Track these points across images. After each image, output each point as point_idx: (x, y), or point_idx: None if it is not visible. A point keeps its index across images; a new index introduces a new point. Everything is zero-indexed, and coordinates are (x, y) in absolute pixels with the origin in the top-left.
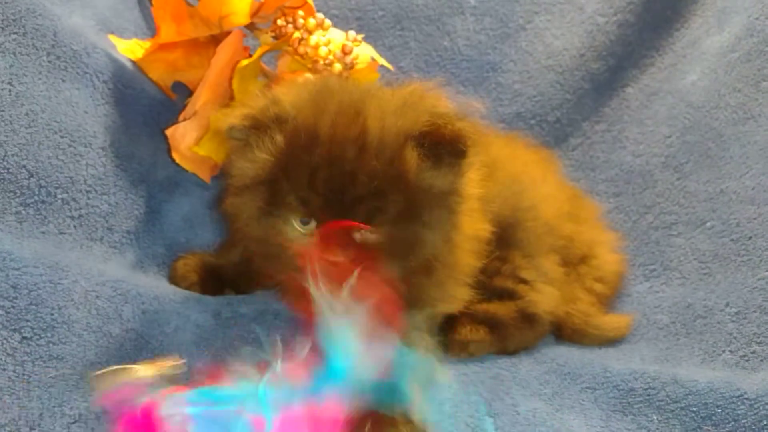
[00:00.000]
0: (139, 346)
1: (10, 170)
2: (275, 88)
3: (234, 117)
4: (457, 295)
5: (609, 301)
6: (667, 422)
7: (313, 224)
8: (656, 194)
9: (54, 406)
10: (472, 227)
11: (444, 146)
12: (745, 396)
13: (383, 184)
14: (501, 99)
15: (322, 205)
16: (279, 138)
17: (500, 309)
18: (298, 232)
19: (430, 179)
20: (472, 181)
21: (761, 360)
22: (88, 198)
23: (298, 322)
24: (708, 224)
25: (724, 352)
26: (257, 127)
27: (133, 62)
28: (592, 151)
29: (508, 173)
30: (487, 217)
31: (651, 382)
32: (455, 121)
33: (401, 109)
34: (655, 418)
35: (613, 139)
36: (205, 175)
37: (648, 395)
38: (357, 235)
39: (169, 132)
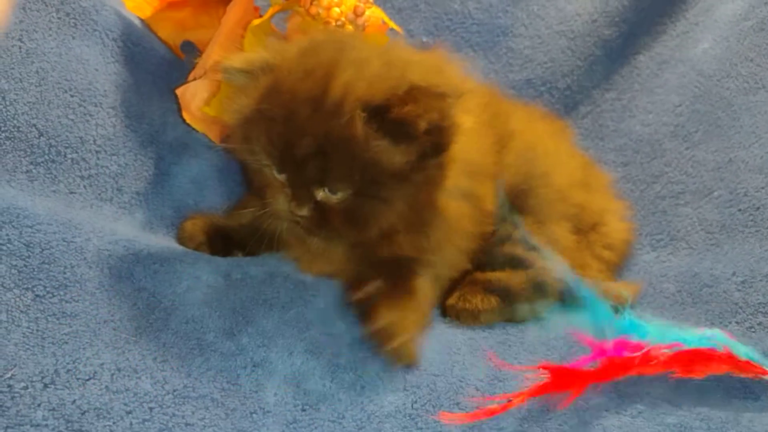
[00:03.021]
0: (152, 305)
1: (20, 129)
2: (291, 38)
3: (233, 60)
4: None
5: (617, 268)
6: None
7: (284, 175)
8: (664, 163)
9: (68, 363)
10: (461, 216)
11: (395, 124)
12: None
13: (329, 147)
14: (511, 65)
15: (279, 158)
16: (261, 86)
17: (512, 279)
18: (276, 179)
19: (384, 153)
20: (453, 166)
21: None
22: (98, 158)
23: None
24: (715, 194)
25: (731, 323)
26: (247, 71)
27: (142, 20)
28: (602, 119)
29: (523, 142)
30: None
31: None
32: (428, 99)
33: (377, 76)
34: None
35: (622, 108)
36: (215, 136)
37: None
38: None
39: (179, 91)
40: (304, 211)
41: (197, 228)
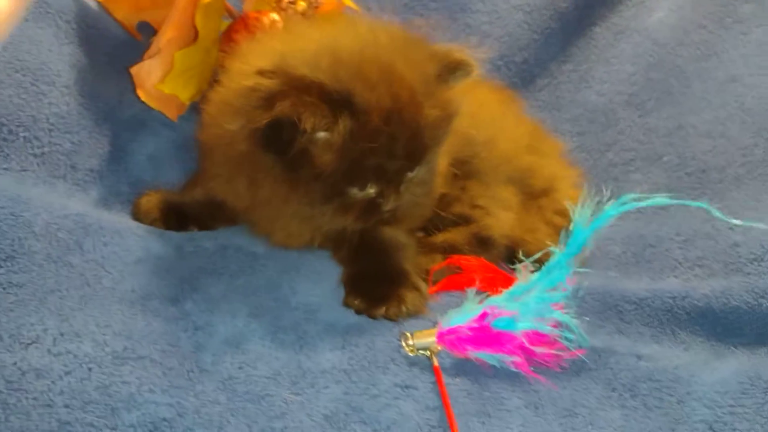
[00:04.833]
0: (99, 276)
1: None
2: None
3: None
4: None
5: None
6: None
7: (369, 188)
8: (618, 132)
9: (12, 329)
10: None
11: (458, 71)
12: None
13: (442, 127)
14: (469, 41)
15: (398, 169)
16: (347, 125)
17: (456, 236)
18: (352, 199)
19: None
20: None
21: (702, 280)
22: (51, 136)
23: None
24: (665, 158)
25: (669, 277)
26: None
27: (98, 2)
28: (559, 91)
29: (466, 111)
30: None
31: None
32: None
33: (411, 51)
34: None
35: (579, 79)
36: (171, 114)
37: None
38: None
39: (134, 70)
40: (393, 204)
41: (152, 204)
